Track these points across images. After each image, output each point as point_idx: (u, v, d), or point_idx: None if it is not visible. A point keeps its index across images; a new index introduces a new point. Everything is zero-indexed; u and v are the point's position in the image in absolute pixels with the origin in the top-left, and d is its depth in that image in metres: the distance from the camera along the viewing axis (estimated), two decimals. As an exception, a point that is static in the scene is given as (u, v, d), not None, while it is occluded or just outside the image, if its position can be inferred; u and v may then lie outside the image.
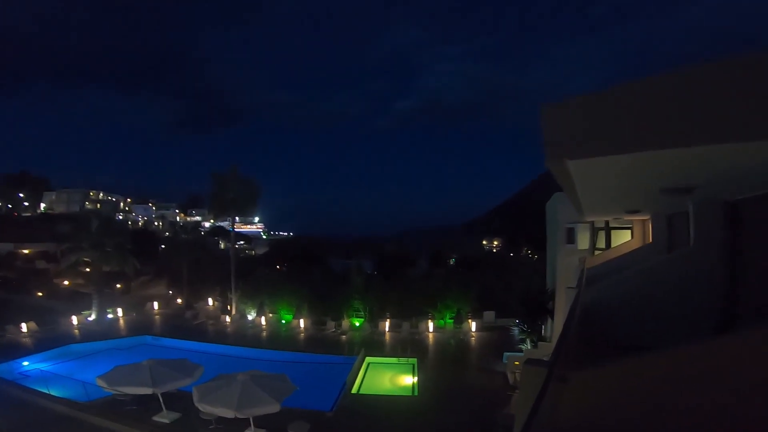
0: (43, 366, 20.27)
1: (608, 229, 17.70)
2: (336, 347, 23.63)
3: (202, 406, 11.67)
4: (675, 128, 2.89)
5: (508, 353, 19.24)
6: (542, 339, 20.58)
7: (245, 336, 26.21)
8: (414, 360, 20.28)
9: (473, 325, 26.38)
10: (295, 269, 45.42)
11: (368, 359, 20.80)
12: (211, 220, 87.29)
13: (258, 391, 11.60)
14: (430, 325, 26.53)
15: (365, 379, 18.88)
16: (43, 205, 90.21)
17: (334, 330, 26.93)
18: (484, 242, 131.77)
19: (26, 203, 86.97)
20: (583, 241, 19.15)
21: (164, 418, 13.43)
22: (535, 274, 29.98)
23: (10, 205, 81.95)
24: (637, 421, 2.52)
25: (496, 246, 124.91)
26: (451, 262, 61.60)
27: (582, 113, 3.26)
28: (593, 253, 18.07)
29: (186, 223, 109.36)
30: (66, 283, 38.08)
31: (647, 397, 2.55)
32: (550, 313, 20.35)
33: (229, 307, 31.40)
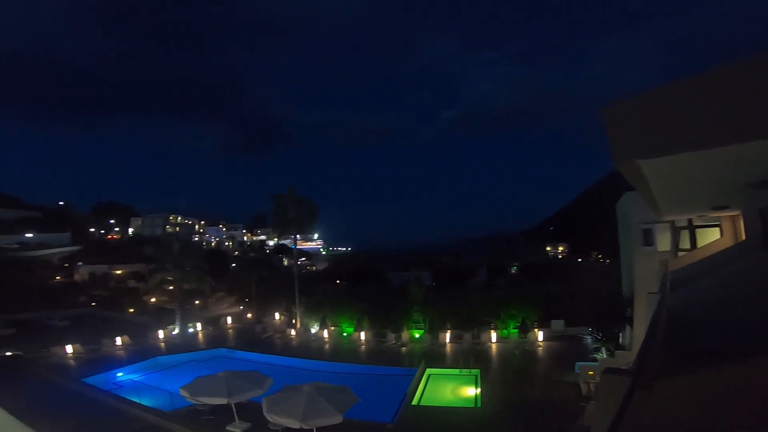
0: (134, 376, 22.30)
1: (692, 228, 16.07)
2: (396, 359, 23.50)
3: (270, 417, 12.05)
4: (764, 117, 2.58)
5: (581, 363, 17.96)
6: (620, 347, 18.92)
7: (309, 349, 26.95)
8: (477, 371, 19.59)
9: (540, 335, 24.97)
10: (354, 283, 46.30)
11: (429, 371, 20.39)
12: (275, 239, 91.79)
13: (322, 402, 11.78)
14: (493, 335, 25.51)
15: (426, 390, 18.52)
16: (130, 229, 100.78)
17: (394, 342, 26.83)
18: (548, 248, 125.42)
19: (116, 228, 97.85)
20: (663, 243, 17.53)
21: (237, 427, 14.08)
22: (609, 279, 27.87)
23: (102, 231, 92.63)
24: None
25: (562, 252, 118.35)
26: (513, 270, 59.32)
27: (651, 110, 2.98)
28: (676, 254, 16.50)
29: (252, 242, 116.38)
30: (153, 300, 41.62)
31: (741, 407, 2.23)
32: (629, 320, 18.71)
33: (294, 321, 32.57)
